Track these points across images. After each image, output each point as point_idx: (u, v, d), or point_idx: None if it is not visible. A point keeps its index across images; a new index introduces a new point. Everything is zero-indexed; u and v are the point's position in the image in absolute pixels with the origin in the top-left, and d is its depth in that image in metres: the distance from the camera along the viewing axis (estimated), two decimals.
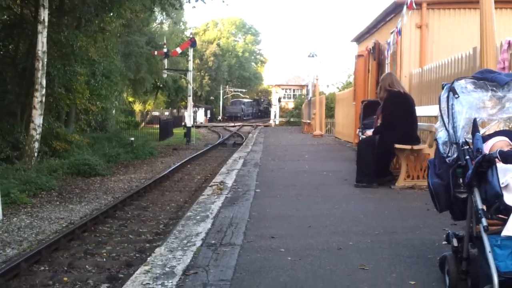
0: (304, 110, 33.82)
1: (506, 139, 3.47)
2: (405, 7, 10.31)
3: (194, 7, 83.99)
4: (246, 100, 73.68)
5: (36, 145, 14.83)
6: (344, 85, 35.65)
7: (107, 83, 22.95)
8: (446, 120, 3.44)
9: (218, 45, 75.24)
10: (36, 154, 14.83)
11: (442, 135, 3.49)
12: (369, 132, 8.63)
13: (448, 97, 3.45)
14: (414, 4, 10.24)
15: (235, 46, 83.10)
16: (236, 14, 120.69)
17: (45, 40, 14.85)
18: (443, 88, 3.57)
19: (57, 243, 8.00)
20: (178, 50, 32.05)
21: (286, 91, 62.59)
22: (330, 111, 27.66)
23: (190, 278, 3.84)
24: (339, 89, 35.04)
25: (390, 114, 8.11)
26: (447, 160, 3.39)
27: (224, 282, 3.74)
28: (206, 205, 6.65)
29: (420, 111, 8.61)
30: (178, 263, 4.17)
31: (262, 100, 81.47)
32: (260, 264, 4.16)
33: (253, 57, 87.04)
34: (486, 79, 3.47)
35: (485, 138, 3.52)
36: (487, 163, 3.01)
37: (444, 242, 3.73)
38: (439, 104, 3.54)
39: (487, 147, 3.38)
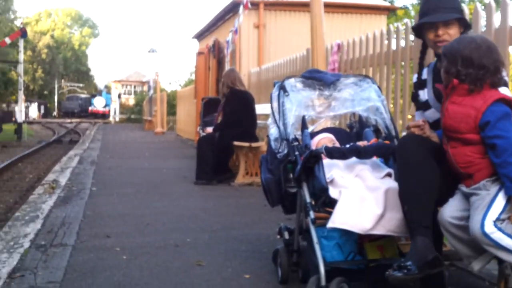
0: (145, 107, 33.31)
1: (330, 135, 3.66)
2: (241, 6, 10.56)
3: None
4: (83, 96, 70.51)
5: None
6: (186, 82, 35.71)
7: None
8: (277, 117, 3.54)
9: (52, 36, 71.14)
10: None
11: (273, 132, 3.59)
12: (209, 129, 8.70)
13: (279, 95, 3.55)
14: (250, 4, 10.50)
15: (71, 38, 79.11)
16: (71, 5, 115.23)
17: None
18: (274, 86, 3.69)
19: None
20: (7, 40, 29.69)
21: (126, 87, 61.14)
22: (172, 108, 27.55)
23: (15, 281, 3.60)
24: (181, 86, 35.03)
25: (230, 112, 8.27)
26: (278, 156, 3.50)
27: (54, 284, 3.55)
28: (37, 204, 6.27)
29: (259, 109, 8.86)
30: (3, 266, 3.87)
31: None
32: (93, 264, 4.00)
33: (91, 51, 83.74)
34: (314, 78, 3.62)
35: (314, 135, 3.68)
36: (314, 158, 3.14)
37: (278, 236, 3.87)
38: (271, 101, 3.64)
39: (313, 144, 3.54)
